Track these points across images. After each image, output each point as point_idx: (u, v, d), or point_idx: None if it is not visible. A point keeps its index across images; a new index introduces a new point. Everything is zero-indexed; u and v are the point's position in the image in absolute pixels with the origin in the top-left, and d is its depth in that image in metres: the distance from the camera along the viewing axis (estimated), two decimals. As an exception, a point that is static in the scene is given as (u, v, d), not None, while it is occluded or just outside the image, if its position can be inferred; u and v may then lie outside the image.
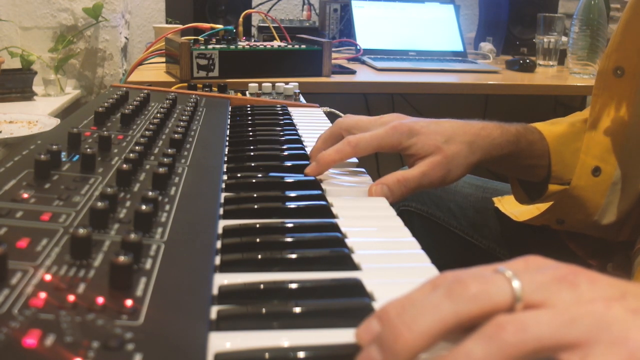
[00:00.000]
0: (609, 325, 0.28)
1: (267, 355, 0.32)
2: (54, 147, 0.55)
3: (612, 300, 0.29)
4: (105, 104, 0.76)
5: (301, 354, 0.32)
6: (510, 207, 0.96)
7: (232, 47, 1.38)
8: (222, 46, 1.37)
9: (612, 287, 0.31)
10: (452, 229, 1.05)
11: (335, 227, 0.50)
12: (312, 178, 0.64)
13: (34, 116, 1.47)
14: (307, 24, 2.06)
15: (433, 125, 0.69)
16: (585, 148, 0.79)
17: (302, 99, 1.12)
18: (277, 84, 1.14)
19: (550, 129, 0.81)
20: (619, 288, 0.31)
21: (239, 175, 0.64)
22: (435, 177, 0.67)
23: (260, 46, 1.43)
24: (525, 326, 0.28)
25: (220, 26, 1.49)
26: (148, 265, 0.39)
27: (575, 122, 0.83)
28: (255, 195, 0.58)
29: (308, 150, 0.74)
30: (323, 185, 0.63)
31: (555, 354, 0.28)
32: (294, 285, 0.40)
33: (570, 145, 0.80)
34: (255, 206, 0.55)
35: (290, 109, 1.01)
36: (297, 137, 0.81)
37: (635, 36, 0.75)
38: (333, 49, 1.59)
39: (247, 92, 1.12)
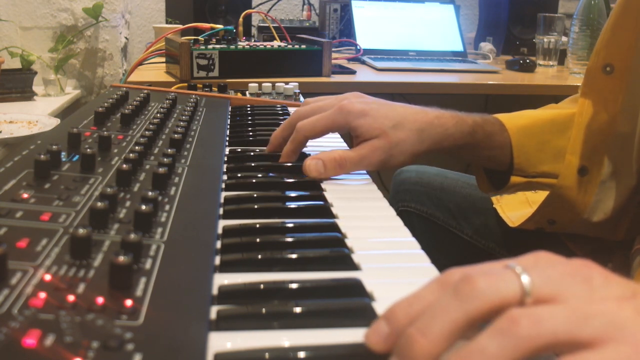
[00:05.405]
0: (621, 326, 0.28)
1: (267, 355, 0.32)
2: (54, 147, 0.55)
3: (624, 300, 0.29)
4: (105, 104, 0.76)
5: (301, 354, 0.32)
6: (508, 209, 0.96)
7: (232, 47, 1.38)
8: (222, 46, 1.37)
9: (624, 287, 0.31)
10: (451, 229, 1.05)
11: (335, 227, 0.51)
12: (312, 178, 0.64)
13: (34, 116, 1.47)
14: (307, 24, 2.06)
15: (384, 108, 0.69)
16: (572, 147, 0.78)
17: (302, 99, 1.12)
18: (277, 84, 1.14)
19: (514, 121, 0.79)
20: (630, 288, 0.31)
21: (239, 175, 0.64)
22: (375, 161, 0.67)
23: (260, 46, 1.43)
24: (540, 320, 0.28)
25: (220, 26, 1.49)
26: (148, 265, 0.39)
27: (545, 115, 0.81)
28: (255, 195, 0.58)
29: (308, 150, 0.74)
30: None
31: (566, 351, 0.28)
32: (294, 285, 0.40)
33: (534, 139, 0.78)
34: (255, 206, 0.55)
35: (290, 109, 1.01)
36: (297, 137, 0.81)
37: (625, 33, 0.74)
38: (333, 49, 1.59)
39: (247, 92, 1.12)
